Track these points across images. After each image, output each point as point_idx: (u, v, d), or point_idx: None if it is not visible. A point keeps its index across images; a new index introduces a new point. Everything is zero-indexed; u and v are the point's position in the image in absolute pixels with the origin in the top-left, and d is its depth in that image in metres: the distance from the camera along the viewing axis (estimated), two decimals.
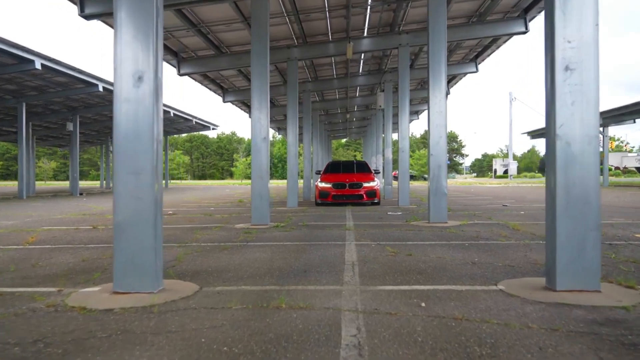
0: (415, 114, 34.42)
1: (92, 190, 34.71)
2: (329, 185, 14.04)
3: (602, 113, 26.77)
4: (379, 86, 19.40)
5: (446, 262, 4.81)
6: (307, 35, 13.92)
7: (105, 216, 11.37)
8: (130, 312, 3.19)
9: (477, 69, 18.48)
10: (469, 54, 17.87)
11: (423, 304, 3.22)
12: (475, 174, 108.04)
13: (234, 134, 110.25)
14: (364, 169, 16.00)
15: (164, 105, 27.22)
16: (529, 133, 37.67)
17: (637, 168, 74.33)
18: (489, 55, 17.97)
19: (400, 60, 13.83)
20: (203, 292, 3.70)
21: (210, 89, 19.76)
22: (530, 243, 6.05)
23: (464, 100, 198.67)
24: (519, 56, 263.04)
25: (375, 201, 14.07)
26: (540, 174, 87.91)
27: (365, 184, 14.01)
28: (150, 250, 3.67)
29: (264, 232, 7.63)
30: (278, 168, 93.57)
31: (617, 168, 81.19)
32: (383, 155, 19.45)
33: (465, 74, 19.04)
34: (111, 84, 22.13)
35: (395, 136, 27.03)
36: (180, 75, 14.73)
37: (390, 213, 11.05)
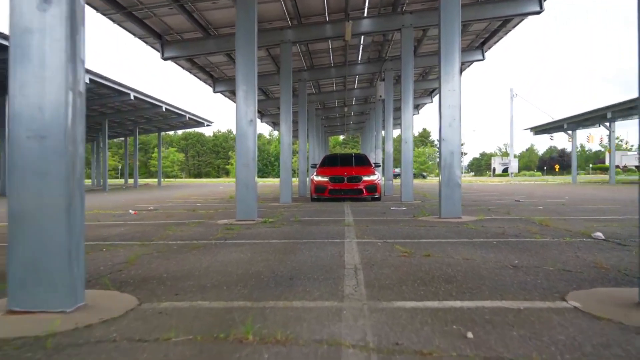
0: (415, 108, 33.26)
1: None
2: (325, 179, 12.88)
3: (612, 106, 25.69)
4: (379, 75, 18.27)
5: (478, 265, 3.67)
6: (302, 15, 12.76)
7: None
8: (10, 347, 2.03)
9: (483, 57, 17.34)
10: (475, 41, 16.74)
11: (469, 334, 2.06)
12: (473, 173, 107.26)
13: (229, 131, 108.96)
14: (363, 162, 14.85)
15: (156, 99, 26.03)
16: (532, 129, 36.57)
17: (636, 167, 73.45)
18: (495, 43, 16.85)
19: (403, 44, 12.69)
20: (139, 311, 2.54)
21: (199, 78, 18.58)
22: (573, 241, 4.91)
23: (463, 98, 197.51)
24: (519, 52, 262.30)
25: (376, 196, 12.93)
26: (539, 173, 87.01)
27: (365, 178, 12.86)
28: (61, 250, 2.50)
29: (249, 229, 6.46)
30: (275, 166, 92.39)
31: (616, 166, 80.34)
32: (383, 150, 18.36)
33: (471, 62, 17.90)
34: (102, 77, 21.05)
35: (396, 133, 25.90)
36: (164, 59, 13.54)
37: (393, 208, 9.90)
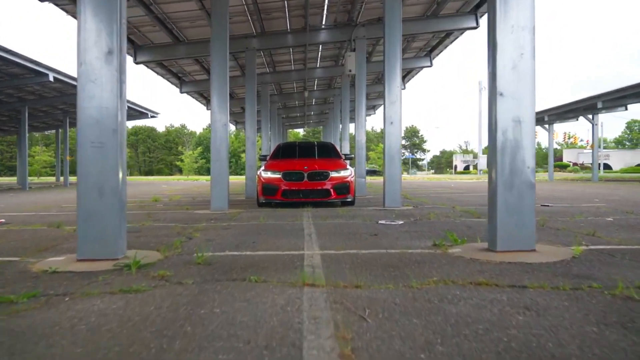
0: (372, 108, 29.64)
1: (1, 185, 27.82)
2: (277, 176, 9.00)
3: (603, 95, 23.03)
4: (349, 45, 14.47)
5: None
6: None
7: None
8: None
9: (477, 24, 13.87)
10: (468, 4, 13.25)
11: None
12: (433, 171, 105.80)
13: (183, 126, 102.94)
14: (330, 152, 11.03)
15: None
16: None
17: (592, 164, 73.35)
18: None
19: None
20: None
21: None
22: None
23: (420, 94, 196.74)
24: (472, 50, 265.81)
25: (349, 200, 9.16)
26: None
27: (334, 174, 9.07)
28: None
29: (58, 300, 2.49)
30: (231, 163, 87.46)
31: (574, 164, 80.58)
32: (354, 140, 14.77)
33: (463, 29, 14.36)
34: (8, 52, 16.05)
35: (370, 123, 21.84)
36: None
37: (383, 222, 6.12)
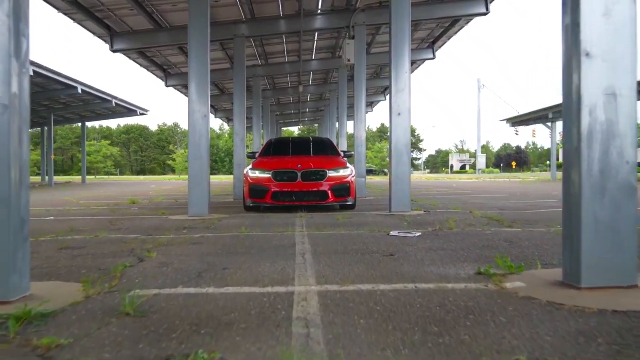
0: (369, 105, 28.40)
1: None
2: (266, 176, 7.74)
3: None
4: (347, 31, 13.21)
5: None
6: None
7: None
8: None
9: (487, 10, 12.66)
10: None
11: None
12: (429, 170, 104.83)
13: (176, 125, 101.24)
14: (326, 149, 9.78)
15: (68, 77, 20.04)
16: (508, 120, 32.67)
17: None
18: None
19: None
20: None
21: (93, 32, 12.93)
22: None
23: (416, 92, 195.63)
24: (476, 44, 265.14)
25: (349, 203, 7.94)
26: (497, 170, 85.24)
27: (332, 173, 7.83)
28: None
29: None
30: (225, 162, 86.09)
31: None
32: (353, 136, 13.62)
33: (472, 15, 13.12)
34: None
35: (371, 119, 20.31)
36: None
37: (396, 234, 4.88)
